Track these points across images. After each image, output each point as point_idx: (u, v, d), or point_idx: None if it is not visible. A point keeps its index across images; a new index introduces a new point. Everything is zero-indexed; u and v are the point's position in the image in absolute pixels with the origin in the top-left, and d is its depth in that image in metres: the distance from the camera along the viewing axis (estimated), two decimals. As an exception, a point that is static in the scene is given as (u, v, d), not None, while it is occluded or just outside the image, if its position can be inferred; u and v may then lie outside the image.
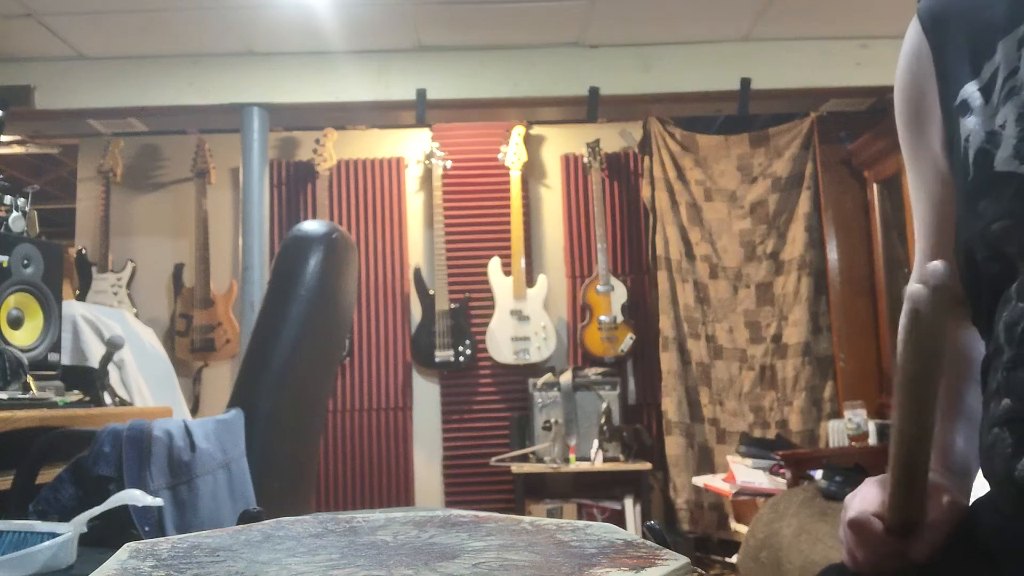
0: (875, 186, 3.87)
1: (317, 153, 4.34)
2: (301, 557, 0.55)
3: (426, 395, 4.38)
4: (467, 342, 4.24)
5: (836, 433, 3.61)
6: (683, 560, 0.52)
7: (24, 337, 1.89)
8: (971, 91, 0.75)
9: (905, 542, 0.71)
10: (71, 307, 2.37)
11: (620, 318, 4.17)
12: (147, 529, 1.27)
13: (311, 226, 1.72)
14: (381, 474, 4.30)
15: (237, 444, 1.54)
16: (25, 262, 1.90)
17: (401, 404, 4.35)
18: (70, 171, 4.86)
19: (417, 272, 4.32)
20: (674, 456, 4.02)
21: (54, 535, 0.98)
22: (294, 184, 4.48)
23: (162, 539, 0.62)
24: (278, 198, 4.44)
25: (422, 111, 3.78)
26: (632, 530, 3.68)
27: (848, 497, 0.78)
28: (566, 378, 4.05)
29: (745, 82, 3.73)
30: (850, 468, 2.79)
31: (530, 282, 4.25)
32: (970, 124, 0.74)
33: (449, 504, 4.20)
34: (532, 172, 4.49)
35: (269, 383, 1.61)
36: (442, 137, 4.42)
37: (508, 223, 4.28)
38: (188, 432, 1.44)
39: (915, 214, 0.90)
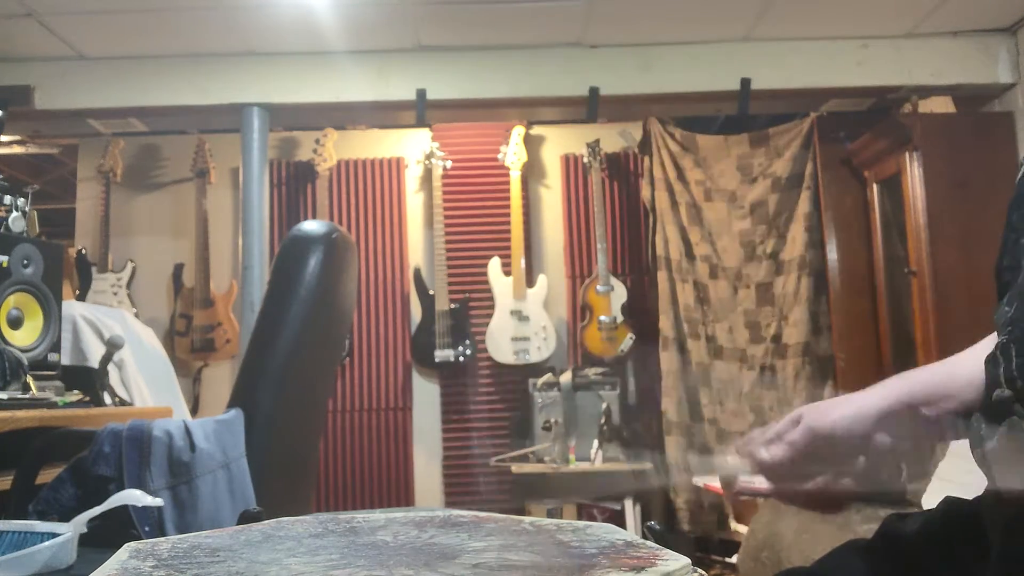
0: (875, 186, 3.87)
1: (317, 153, 4.34)
2: (301, 557, 0.55)
3: (426, 395, 4.38)
4: (467, 342, 4.24)
5: (836, 433, 3.60)
6: (683, 560, 0.52)
7: (24, 337, 1.89)
8: None
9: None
10: (71, 307, 2.37)
11: (620, 318, 4.17)
12: (147, 529, 1.27)
13: (311, 226, 1.72)
14: (381, 474, 4.30)
15: (237, 444, 1.53)
16: (25, 262, 1.90)
17: (401, 404, 4.35)
18: (70, 171, 4.87)
19: (417, 272, 4.32)
20: (674, 456, 4.02)
21: (54, 535, 0.98)
22: (294, 184, 4.48)
23: (162, 539, 0.61)
24: (278, 198, 4.44)
25: (422, 111, 3.78)
26: (632, 530, 3.69)
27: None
28: (566, 378, 4.05)
29: (745, 82, 3.73)
30: (850, 468, 2.79)
31: (530, 282, 4.25)
32: None
33: (449, 504, 4.20)
34: (532, 172, 4.49)
35: (269, 383, 1.61)
36: (442, 137, 4.42)
37: (508, 223, 4.28)
38: (188, 432, 1.44)
39: None
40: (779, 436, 0.80)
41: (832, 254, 4.05)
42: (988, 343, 0.80)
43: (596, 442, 3.92)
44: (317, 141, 4.35)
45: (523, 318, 4.18)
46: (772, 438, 0.80)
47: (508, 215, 4.29)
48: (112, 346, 2.04)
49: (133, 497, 1.07)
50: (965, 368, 0.79)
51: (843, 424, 0.78)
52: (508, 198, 4.30)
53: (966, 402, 0.77)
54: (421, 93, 3.74)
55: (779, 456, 0.79)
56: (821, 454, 0.78)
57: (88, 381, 2.01)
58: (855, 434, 0.78)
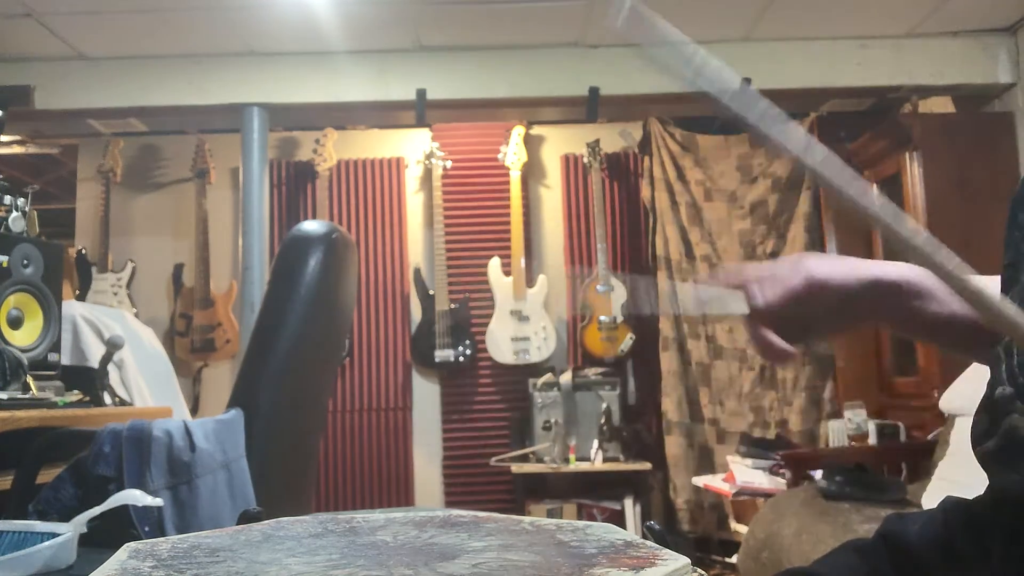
0: (875, 186, 3.87)
1: (317, 153, 4.34)
2: (301, 557, 0.55)
3: (426, 395, 4.38)
4: (467, 342, 4.24)
5: (836, 433, 3.61)
6: (683, 560, 0.51)
7: (24, 337, 1.89)
8: None
9: None
10: (71, 307, 2.37)
11: (620, 318, 4.17)
12: (147, 529, 1.27)
13: (311, 226, 1.72)
14: (381, 474, 4.30)
15: (237, 444, 1.53)
16: (25, 262, 1.90)
17: (401, 404, 4.35)
18: (70, 171, 4.87)
19: (417, 272, 4.32)
20: (674, 456, 4.02)
21: (54, 535, 0.98)
22: (294, 184, 4.48)
23: (162, 539, 0.61)
24: (278, 198, 4.44)
25: (422, 111, 3.78)
26: (632, 530, 3.68)
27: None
28: (566, 378, 4.05)
29: (745, 82, 3.73)
30: (850, 468, 2.80)
31: (530, 282, 4.25)
32: None
33: (449, 504, 4.20)
34: (532, 172, 4.49)
35: (269, 383, 1.61)
36: (442, 137, 4.43)
37: (508, 223, 4.28)
38: (188, 432, 1.44)
39: None
40: (774, 277, 0.79)
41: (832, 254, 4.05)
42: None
43: (596, 442, 3.92)
44: (317, 141, 4.36)
45: (523, 318, 4.18)
46: (767, 277, 0.79)
47: (508, 215, 4.29)
48: (112, 346, 2.04)
49: (133, 497, 1.07)
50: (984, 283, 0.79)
51: (838, 276, 0.78)
52: (508, 198, 4.30)
53: (950, 313, 0.78)
54: (421, 93, 3.74)
55: (772, 297, 0.79)
56: (808, 302, 0.78)
57: (88, 381, 2.01)
58: (846, 289, 0.78)
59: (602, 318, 4.17)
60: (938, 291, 0.79)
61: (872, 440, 3.45)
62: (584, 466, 3.91)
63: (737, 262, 4.18)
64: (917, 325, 0.80)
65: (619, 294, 4.20)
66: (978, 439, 0.69)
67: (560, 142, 4.55)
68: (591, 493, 4.05)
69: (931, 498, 2.58)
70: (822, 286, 0.78)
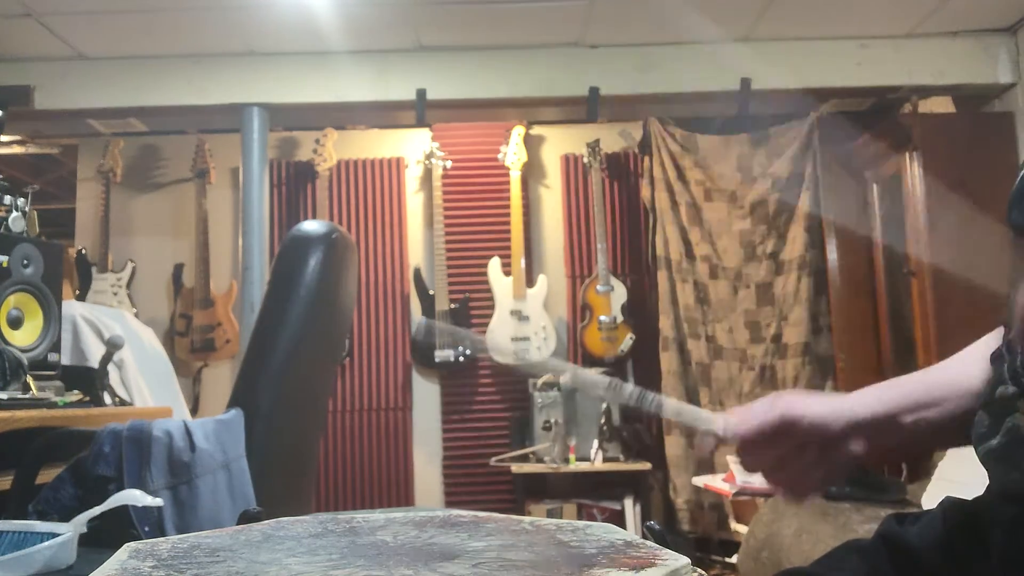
0: (875, 186, 3.87)
1: (317, 153, 4.34)
2: (301, 557, 0.55)
3: (426, 395, 4.38)
4: (467, 342, 4.24)
5: (836, 433, 3.60)
6: (683, 560, 0.52)
7: (24, 337, 1.89)
8: None
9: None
10: (71, 307, 2.37)
11: (620, 318, 4.17)
12: (147, 529, 1.27)
13: (311, 226, 1.72)
14: (381, 474, 4.30)
15: (237, 444, 1.53)
16: (25, 262, 1.90)
17: (401, 404, 4.35)
18: (70, 171, 4.87)
19: (417, 272, 4.32)
20: (674, 456, 4.02)
21: (54, 535, 0.98)
22: (294, 184, 4.48)
23: (162, 539, 0.62)
24: (278, 198, 4.44)
25: (422, 111, 3.78)
26: (632, 530, 3.68)
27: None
28: (566, 378, 4.05)
29: (745, 82, 3.73)
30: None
31: (530, 282, 4.25)
32: None
33: (449, 504, 4.20)
34: (532, 172, 4.49)
35: (269, 383, 1.61)
36: (442, 137, 4.42)
37: (508, 223, 4.28)
38: (188, 432, 1.44)
39: None
40: (751, 410, 0.79)
41: (832, 254, 4.05)
42: (979, 347, 0.80)
43: (596, 442, 3.92)
44: (317, 141, 4.35)
45: (523, 318, 4.18)
46: (747, 415, 0.80)
47: (508, 215, 4.29)
48: (112, 346, 2.04)
49: (133, 497, 1.07)
50: (949, 375, 0.78)
51: (812, 419, 0.77)
52: (508, 198, 4.30)
53: (949, 411, 0.77)
54: (421, 93, 3.74)
55: (746, 433, 0.78)
56: (785, 441, 0.78)
57: (88, 381, 2.01)
58: (826, 433, 0.77)
59: (602, 318, 4.17)
60: (923, 397, 0.77)
61: (872, 440, 3.44)
62: (584, 466, 3.91)
63: (737, 262, 4.18)
64: (922, 438, 0.79)
65: (619, 294, 4.20)
66: (980, 438, 0.69)
67: (560, 142, 4.55)
68: (591, 493, 4.05)
69: (931, 498, 2.58)
70: (795, 421, 0.77)
